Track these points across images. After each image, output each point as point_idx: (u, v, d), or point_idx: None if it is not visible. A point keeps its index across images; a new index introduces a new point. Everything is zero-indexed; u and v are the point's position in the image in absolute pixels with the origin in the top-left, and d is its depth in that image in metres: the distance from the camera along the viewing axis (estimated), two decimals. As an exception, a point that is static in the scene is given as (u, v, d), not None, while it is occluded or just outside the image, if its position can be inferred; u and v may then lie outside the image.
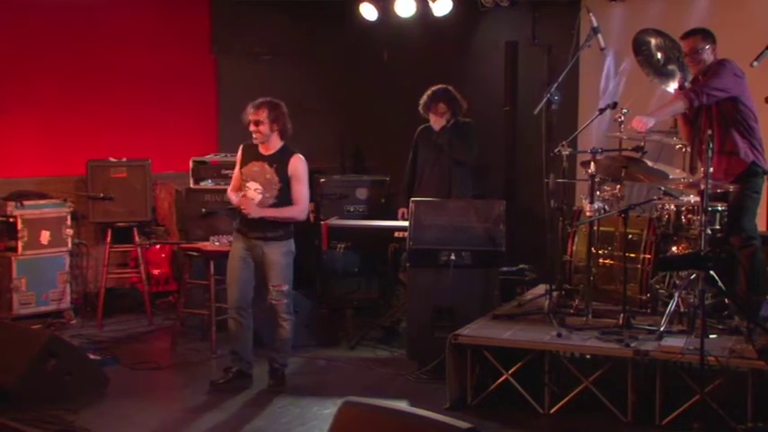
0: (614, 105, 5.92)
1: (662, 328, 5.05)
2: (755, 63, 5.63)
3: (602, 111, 5.99)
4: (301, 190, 5.57)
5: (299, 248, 5.71)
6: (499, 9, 7.91)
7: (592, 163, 5.53)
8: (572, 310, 5.60)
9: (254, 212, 5.49)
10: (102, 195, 7.36)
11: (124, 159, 7.57)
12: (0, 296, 7.07)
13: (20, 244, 7.08)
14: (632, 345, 4.86)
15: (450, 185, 6.72)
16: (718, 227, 5.30)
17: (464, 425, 2.88)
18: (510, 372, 5.10)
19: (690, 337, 4.98)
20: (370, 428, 3.10)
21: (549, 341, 5.08)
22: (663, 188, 5.78)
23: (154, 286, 7.86)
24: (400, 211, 6.94)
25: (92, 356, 5.90)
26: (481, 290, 5.86)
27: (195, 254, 6.58)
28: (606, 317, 5.41)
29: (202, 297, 6.75)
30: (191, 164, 7.69)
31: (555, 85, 5.95)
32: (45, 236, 7.22)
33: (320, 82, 8.94)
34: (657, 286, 5.62)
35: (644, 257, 5.52)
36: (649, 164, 5.57)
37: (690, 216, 5.44)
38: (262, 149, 5.62)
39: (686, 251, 5.41)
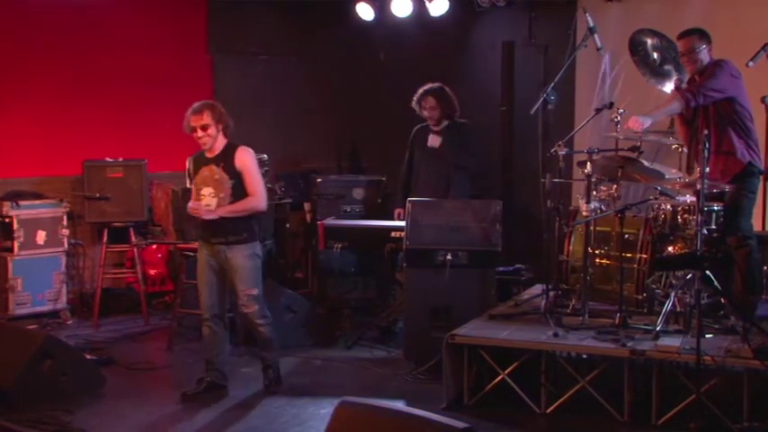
0: (611, 105, 5.93)
1: (658, 328, 5.06)
2: (751, 63, 5.65)
3: (598, 111, 6.00)
4: (254, 181, 5.38)
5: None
6: (496, 9, 7.92)
7: (588, 163, 5.54)
8: (568, 310, 5.61)
9: (207, 214, 5.32)
10: (98, 195, 7.35)
11: (120, 159, 7.57)
12: (-4, 296, 7.07)
13: (16, 244, 7.08)
14: (629, 344, 4.87)
15: (447, 185, 6.73)
16: (714, 227, 5.30)
17: (461, 425, 2.88)
18: (507, 371, 5.10)
19: (686, 336, 4.98)
20: (366, 428, 3.10)
21: (545, 341, 5.08)
22: (659, 188, 5.78)
23: (150, 286, 7.85)
24: (396, 210, 6.94)
25: (88, 357, 5.89)
26: (478, 290, 5.86)
27: (192, 254, 6.53)
28: (603, 316, 5.42)
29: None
30: (187, 164, 7.65)
31: (551, 85, 5.95)
32: (41, 236, 7.22)
33: (316, 82, 8.94)
34: (654, 286, 5.63)
35: (640, 257, 5.53)
36: (646, 164, 5.57)
37: (686, 216, 5.44)
38: (207, 154, 5.45)
39: (682, 251, 5.41)
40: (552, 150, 5.65)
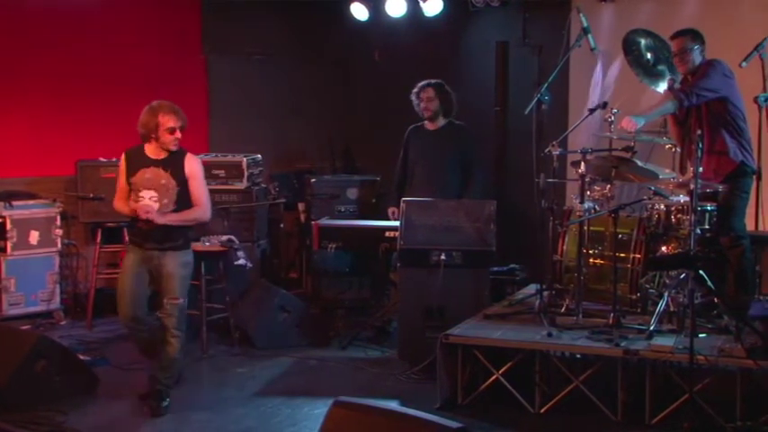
0: (604, 105, 5.94)
1: (652, 328, 5.07)
2: (744, 63, 5.68)
3: (592, 111, 6.02)
4: (201, 189, 5.24)
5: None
6: (490, 9, 7.92)
7: (582, 163, 5.55)
8: (562, 310, 5.62)
9: (159, 218, 5.11)
10: (91, 195, 7.32)
11: (114, 159, 7.52)
12: (-11, 297, 7.05)
13: (9, 244, 7.05)
14: (622, 344, 4.88)
15: (442, 185, 6.71)
16: (707, 226, 5.32)
17: (455, 424, 2.89)
18: (500, 371, 5.10)
19: (679, 336, 5.00)
20: (360, 428, 3.10)
21: (539, 341, 5.08)
22: (653, 188, 5.80)
23: (144, 287, 7.82)
24: (390, 209, 6.93)
25: (81, 357, 5.87)
26: (472, 290, 5.87)
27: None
28: (596, 316, 5.43)
29: (193, 297, 6.72)
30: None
31: (545, 85, 5.97)
32: (34, 236, 7.20)
33: (311, 82, 8.93)
34: (647, 286, 5.64)
35: (634, 257, 5.54)
36: (639, 164, 5.58)
37: (679, 216, 5.45)
38: (151, 154, 5.25)
39: (676, 251, 5.43)
40: (546, 150, 5.66)
